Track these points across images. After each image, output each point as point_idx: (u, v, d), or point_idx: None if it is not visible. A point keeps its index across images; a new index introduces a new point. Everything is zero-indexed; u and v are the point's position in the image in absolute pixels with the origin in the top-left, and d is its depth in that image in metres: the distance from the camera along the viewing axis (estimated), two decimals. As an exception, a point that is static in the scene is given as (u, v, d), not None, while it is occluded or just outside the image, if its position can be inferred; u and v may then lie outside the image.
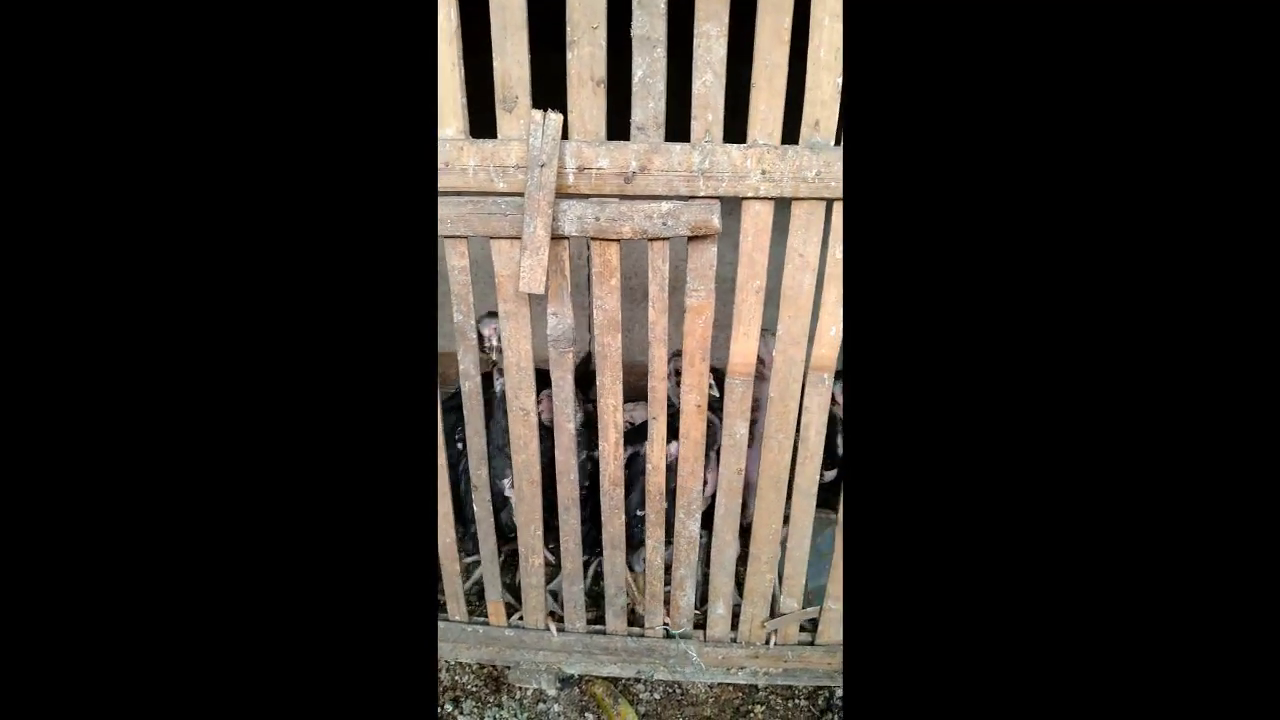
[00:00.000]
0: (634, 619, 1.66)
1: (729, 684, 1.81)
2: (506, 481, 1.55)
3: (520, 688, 1.84)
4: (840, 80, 1.03)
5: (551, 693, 1.83)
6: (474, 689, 1.87)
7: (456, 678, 1.90)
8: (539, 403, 1.32)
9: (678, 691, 1.85)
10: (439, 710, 1.81)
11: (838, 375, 1.30)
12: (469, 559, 1.91)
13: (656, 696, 1.84)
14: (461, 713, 1.80)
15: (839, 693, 1.75)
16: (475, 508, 1.44)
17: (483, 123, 1.13)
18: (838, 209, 1.11)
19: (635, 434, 1.61)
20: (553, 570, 1.77)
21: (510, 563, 1.76)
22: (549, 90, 1.11)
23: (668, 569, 1.52)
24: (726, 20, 1.00)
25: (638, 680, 1.84)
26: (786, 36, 1.00)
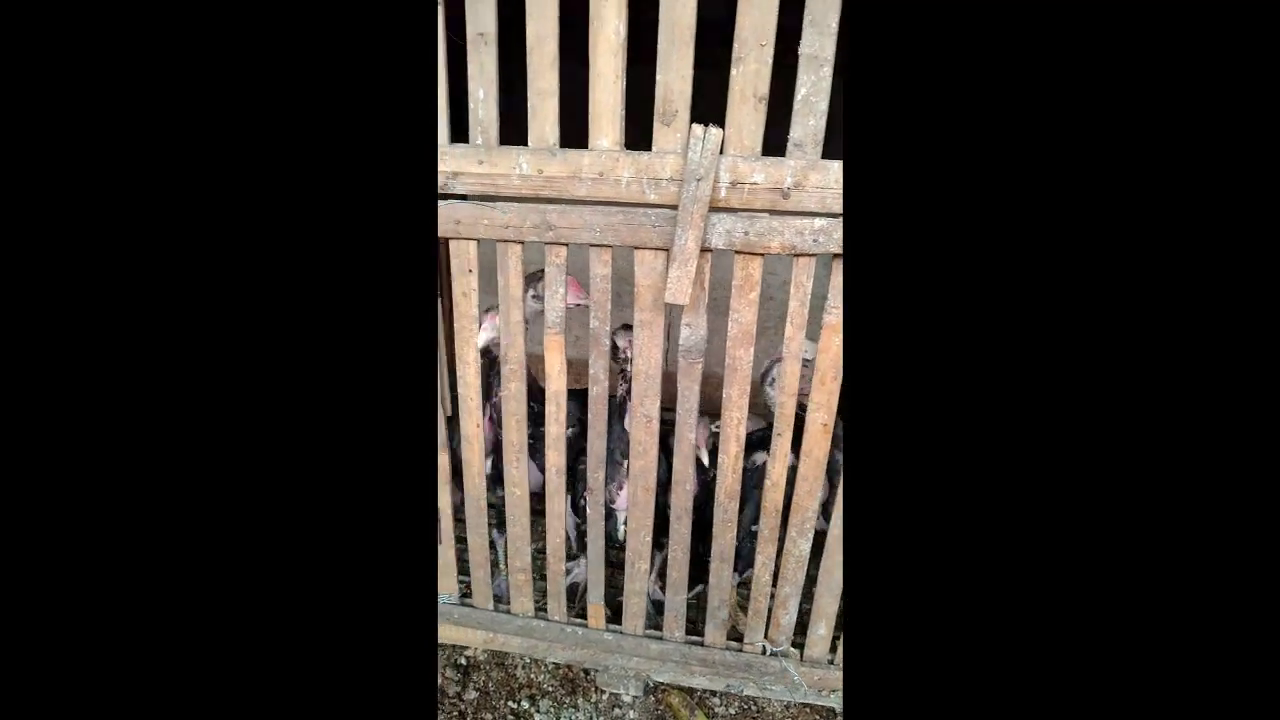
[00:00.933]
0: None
1: (808, 706, 1.80)
2: (621, 495, 1.57)
3: (599, 691, 1.86)
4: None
5: (627, 699, 1.85)
6: (550, 689, 1.90)
7: (533, 676, 1.93)
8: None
9: (753, 708, 1.84)
10: (515, 706, 1.84)
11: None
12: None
13: (731, 711, 1.84)
14: (538, 711, 1.83)
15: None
16: (589, 510, 1.47)
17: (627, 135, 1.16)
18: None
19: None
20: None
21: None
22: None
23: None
24: (900, 41, 1.00)
25: (714, 694, 1.84)
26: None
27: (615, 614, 1.68)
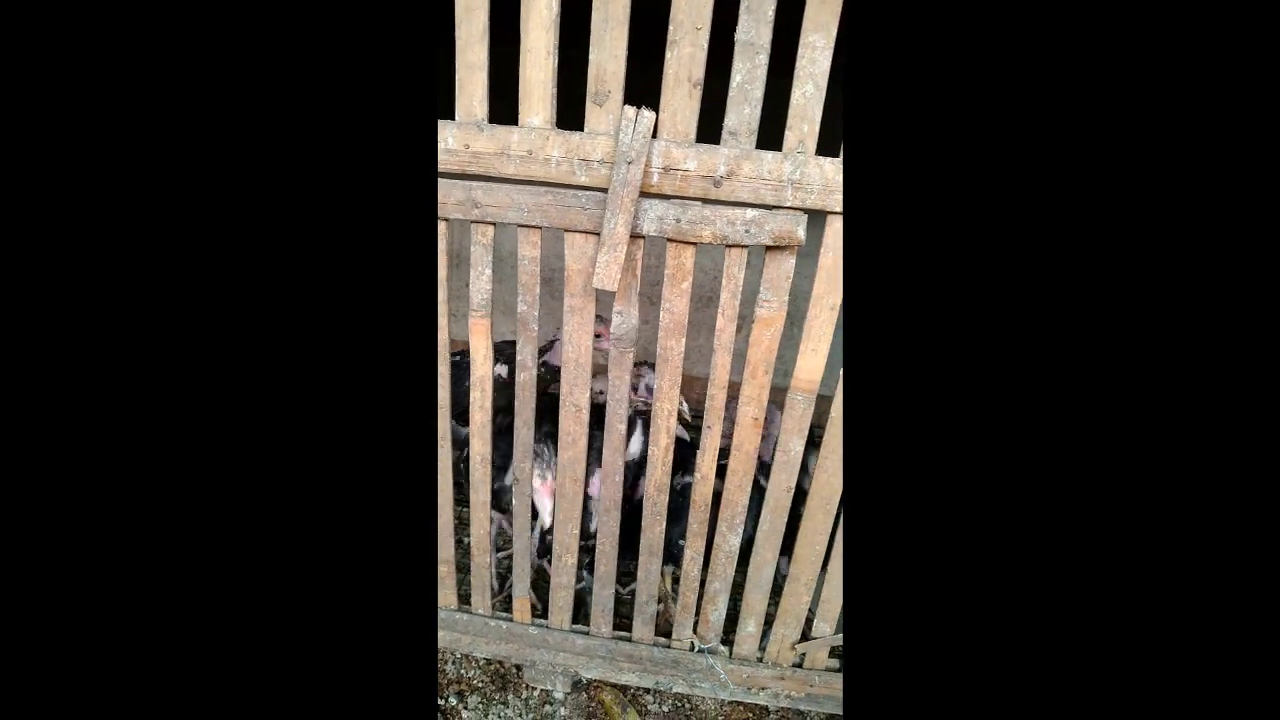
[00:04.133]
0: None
1: (739, 703, 1.84)
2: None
3: (529, 687, 1.87)
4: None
5: (559, 695, 1.87)
6: (480, 685, 1.91)
7: (463, 672, 1.93)
8: None
9: (686, 706, 1.88)
10: (443, 703, 1.84)
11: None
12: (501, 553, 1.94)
13: (665, 709, 1.87)
14: (466, 708, 1.83)
15: (853, 724, 1.78)
16: (515, 501, 1.47)
17: (564, 116, 1.17)
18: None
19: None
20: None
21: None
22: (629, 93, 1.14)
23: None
24: (834, 33, 1.03)
25: (647, 691, 1.87)
26: (893, 54, 1.03)
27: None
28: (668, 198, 1.15)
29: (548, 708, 1.85)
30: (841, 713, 1.76)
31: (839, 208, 1.12)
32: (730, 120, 1.10)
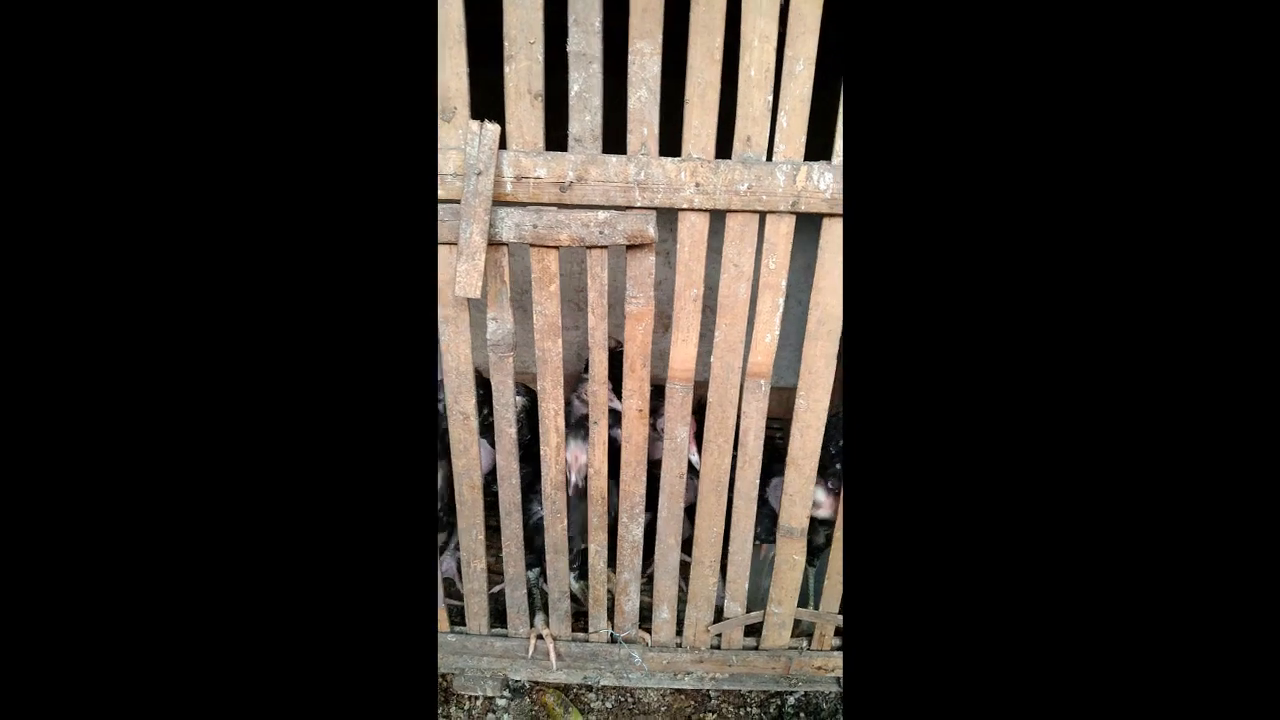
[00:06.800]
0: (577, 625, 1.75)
1: (681, 692, 1.91)
2: None
3: (470, 697, 1.91)
4: (770, 98, 1.13)
5: (501, 702, 1.91)
6: (420, 699, 1.94)
7: (402, 689, 1.96)
8: None
9: (629, 700, 1.94)
10: None
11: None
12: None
13: (608, 705, 1.93)
14: (406, 723, 1.86)
15: (790, 700, 1.86)
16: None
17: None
18: (770, 221, 1.22)
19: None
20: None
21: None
22: (488, 103, 1.20)
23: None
24: (660, 39, 1.10)
25: (589, 689, 1.93)
26: (718, 56, 1.11)
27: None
28: (523, 205, 1.21)
29: (491, 715, 1.89)
30: (770, 693, 1.84)
31: (685, 205, 1.19)
32: (574, 128, 1.17)
